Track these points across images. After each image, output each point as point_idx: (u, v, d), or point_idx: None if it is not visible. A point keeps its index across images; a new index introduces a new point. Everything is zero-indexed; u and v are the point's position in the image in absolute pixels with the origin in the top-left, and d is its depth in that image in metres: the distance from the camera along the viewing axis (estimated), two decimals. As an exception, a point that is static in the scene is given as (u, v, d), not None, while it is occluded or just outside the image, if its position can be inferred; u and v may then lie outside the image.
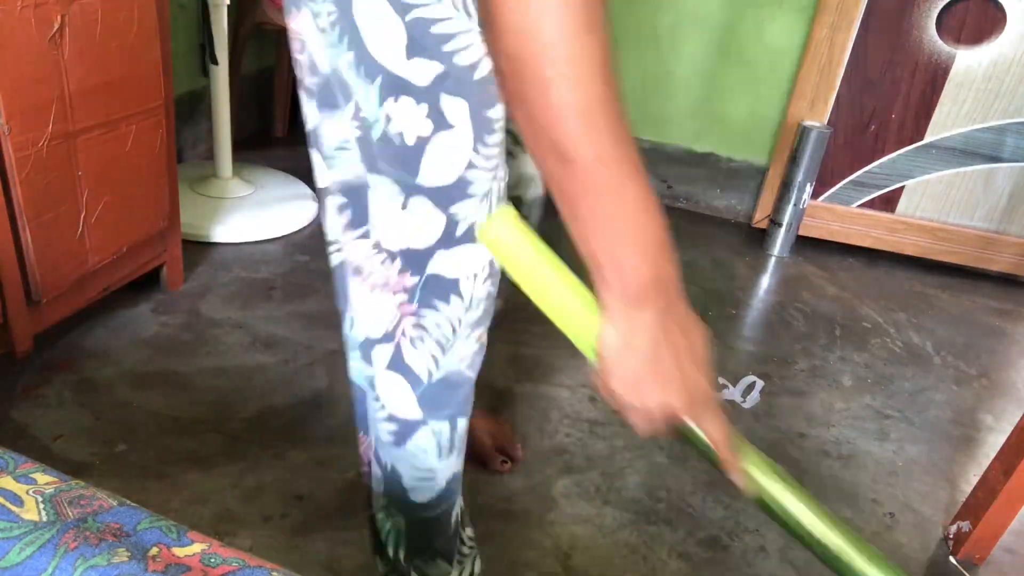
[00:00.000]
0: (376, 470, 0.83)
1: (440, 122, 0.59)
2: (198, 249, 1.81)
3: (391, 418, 0.77)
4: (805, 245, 2.37)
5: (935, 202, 2.30)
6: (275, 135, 2.69)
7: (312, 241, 1.95)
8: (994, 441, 1.54)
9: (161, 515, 0.58)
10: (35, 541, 0.52)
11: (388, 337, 0.73)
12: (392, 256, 0.68)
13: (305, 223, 2.02)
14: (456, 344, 0.75)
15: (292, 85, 2.70)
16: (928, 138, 2.23)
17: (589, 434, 1.38)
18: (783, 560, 1.17)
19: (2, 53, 1.05)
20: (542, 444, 1.34)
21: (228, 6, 1.85)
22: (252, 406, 1.33)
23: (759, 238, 2.37)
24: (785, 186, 2.27)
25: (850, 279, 2.22)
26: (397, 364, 0.74)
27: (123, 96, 1.29)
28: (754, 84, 2.36)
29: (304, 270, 1.80)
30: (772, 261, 2.28)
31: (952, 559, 1.23)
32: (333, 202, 0.74)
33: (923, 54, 2.15)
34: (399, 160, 0.62)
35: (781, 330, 1.87)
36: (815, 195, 2.34)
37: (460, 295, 0.70)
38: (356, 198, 0.70)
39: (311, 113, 0.72)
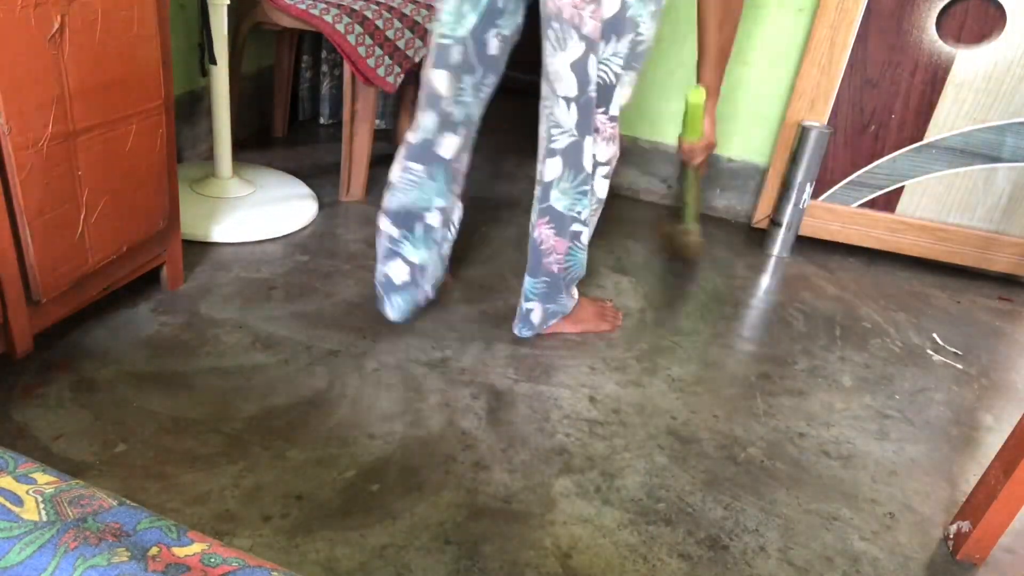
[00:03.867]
0: (586, 235, 1.53)
1: (654, 30, 1.34)
2: (198, 249, 1.81)
3: (599, 200, 1.52)
4: (805, 245, 2.37)
5: (935, 202, 2.30)
6: (275, 135, 2.69)
7: (312, 241, 1.95)
8: (994, 441, 1.54)
9: (161, 515, 0.58)
10: (35, 541, 0.52)
11: (608, 162, 1.46)
12: (616, 119, 1.42)
13: (305, 223, 2.02)
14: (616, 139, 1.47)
15: (292, 85, 2.70)
16: (928, 138, 2.23)
17: (589, 434, 1.39)
18: (783, 560, 1.17)
19: (2, 53, 1.05)
20: (542, 444, 1.34)
21: (228, 6, 1.85)
22: (252, 406, 1.33)
23: (759, 238, 2.37)
24: (785, 186, 2.27)
25: (850, 279, 2.22)
26: (609, 174, 1.49)
27: (123, 96, 1.29)
28: (754, 84, 2.36)
29: (304, 270, 1.80)
30: (772, 261, 2.28)
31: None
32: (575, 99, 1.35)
33: (923, 54, 2.15)
34: (642, 58, 1.36)
35: (781, 330, 1.87)
36: (815, 195, 2.34)
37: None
38: (600, 95, 1.38)
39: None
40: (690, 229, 2.08)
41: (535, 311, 1.61)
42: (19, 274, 1.19)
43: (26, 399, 1.27)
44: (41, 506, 0.56)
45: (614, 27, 1.25)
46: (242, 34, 2.28)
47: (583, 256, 1.57)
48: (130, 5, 1.25)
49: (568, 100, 1.33)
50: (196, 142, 2.32)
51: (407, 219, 1.52)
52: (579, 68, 1.28)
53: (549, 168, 1.42)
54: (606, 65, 1.29)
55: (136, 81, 1.31)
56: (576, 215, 1.47)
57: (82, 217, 1.27)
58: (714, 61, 1.54)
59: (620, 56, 1.29)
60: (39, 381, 1.32)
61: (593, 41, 1.25)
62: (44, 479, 0.59)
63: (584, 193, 1.45)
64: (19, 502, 0.55)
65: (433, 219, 1.53)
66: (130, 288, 1.55)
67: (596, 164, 1.44)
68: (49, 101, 1.15)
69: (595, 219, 1.55)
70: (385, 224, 1.53)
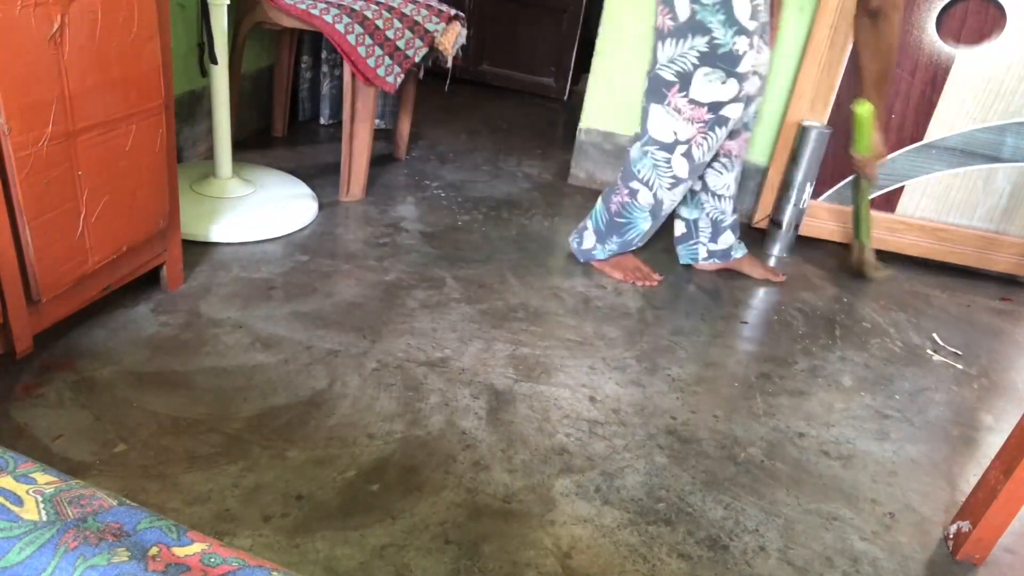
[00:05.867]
0: (647, 198, 1.88)
1: (752, 46, 1.66)
2: (198, 249, 1.81)
3: (673, 177, 1.82)
4: (805, 245, 2.37)
5: (935, 202, 2.31)
6: (275, 135, 2.69)
7: (312, 241, 1.95)
8: (994, 441, 1.54)
9: (161, 515, 0.58)
10: (35, 541, 0.52)
11: (687, 142, 1.76)
12: (701, 105, 1.71)
13: (305, 223, 2.03)
14: (712, 150, 1.80)
15: (292, 85, 2.70)
16: (928, 138, 2.23)
17: (589, 434, 1.39)
18: (783, 560, 1.17)
19: (2, 53, 1.05)
20: (542, 444, 1.34)
21: (228, 6, 1.85)
22: (252, 406, 1.33)
23: (759, 238, 2.37)
24: (785, 186, 2.27)
25: (850, 279, 2.22)
26: (687, 154, 1.78)
27: (123, 96, 1.29)
28: (754, 84, 2.36)
29: (304, 270, 1.80)
30: (772, 261, 2.28)
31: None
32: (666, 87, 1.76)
33: (923, 54, 2.15)
34: (730, 62, 1.65)
35: (781, 330, 1.87)
36: (815, 195, 2.34)
37: (726, 126, 1.75)
38: (681, 80, 1.73)
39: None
40: (862, 244, 2.20)
41: (588, 231, 1.99)
42: (19, 274, 1.19)
43: (26, 399, 1.27)
44: (41, 506, 0.56)
45: (687, 29, 1.64)
46: (242, 34, 2.28)
47: (639, 219, 1.90)
48: (130, 5, 1.25)
49: (648, 73, 1.79)
50: (196, 142, 2.32)
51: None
52: (653, 51, 1.74)
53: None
54: (684, 57, 1.67)
55: (136, 81, 1.31)
56: (637, 171, 1.85)
57: (82, 217, 1.27)
58: (871, 83, 1.82)
59: (696, 50, 1.65)
60: (39, 381, 1.32)
61: (661, 32, 1.69)
62: (44, 479, 0.59)
63: (647, 155, 1.82)
64: (19, 502, 0.55)
65: (696, 185, 1.99)
66: (130, 288, 1.55)
67: (677, 141, 1.77)
68: (49, 101, 1.15)
69: (667, 195, 1.86)
70: None
